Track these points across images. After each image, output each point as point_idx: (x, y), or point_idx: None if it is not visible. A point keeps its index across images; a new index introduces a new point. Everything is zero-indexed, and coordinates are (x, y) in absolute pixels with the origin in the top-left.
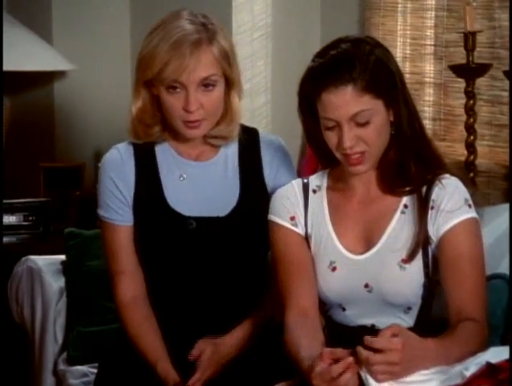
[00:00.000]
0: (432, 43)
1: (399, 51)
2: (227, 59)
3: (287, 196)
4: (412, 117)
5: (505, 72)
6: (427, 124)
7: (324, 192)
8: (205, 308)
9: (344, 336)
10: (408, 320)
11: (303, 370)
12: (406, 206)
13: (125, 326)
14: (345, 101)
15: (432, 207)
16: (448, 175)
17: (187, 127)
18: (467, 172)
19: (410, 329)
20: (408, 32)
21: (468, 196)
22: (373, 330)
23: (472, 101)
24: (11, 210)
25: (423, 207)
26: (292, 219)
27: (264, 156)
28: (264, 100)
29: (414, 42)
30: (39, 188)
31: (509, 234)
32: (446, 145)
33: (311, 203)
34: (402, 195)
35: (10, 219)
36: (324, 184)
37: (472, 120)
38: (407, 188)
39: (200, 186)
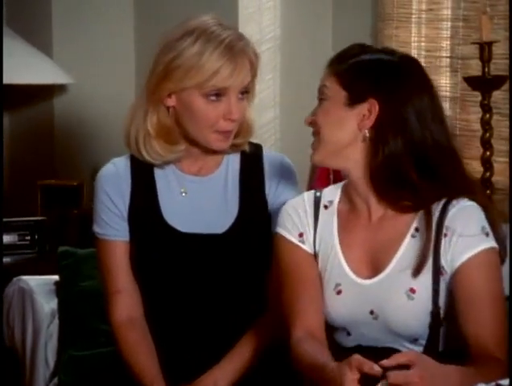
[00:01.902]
0: (448, 54)
1: None
2: (257, 65)
3: (297, 210)
4: (398, 126)
5: None
6: None
7: (335, 208)
8: (203, 327)
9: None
10: (415, 349)
11: (327, 374)
12: (417, 229)
13: (119, 347)
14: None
15: (446, 235)
16: (465, 199)
17: (221, 137)
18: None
19: None
20: (423, 44)
21: (485, 224)
22: (379, 353)
23: (488, 115)
24: (6, 229)
25: (430, 230)
26: (301, 235)
27: (266, 172)
28: (272, 115)
29: (429, 54)
30: (36, 207)
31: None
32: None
33: (321, 219)
34: (405, 210)
35: (4, 239)
36: (336, 199)
37: (488, 134)
38: (409, 203)
39: (199, 201)
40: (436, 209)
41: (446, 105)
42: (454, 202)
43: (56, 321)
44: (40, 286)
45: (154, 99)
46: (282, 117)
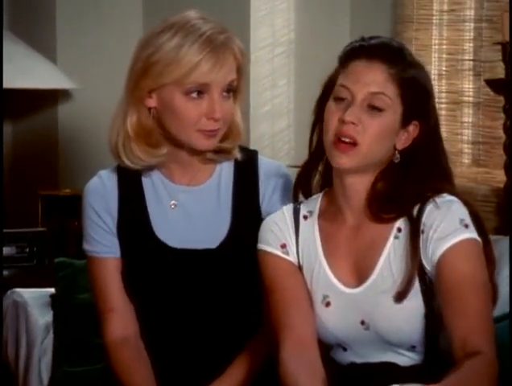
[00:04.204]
0: (471, 57)
1: (434, 68)
2: (243, 62)
3: (277, 223)
4: (434, 151)
5: None
6: (466, 148)
7: (315, 218)
8: (198, 344)
9: (349, 376)
10: (415, 357)
11: None
12: (399, 229)
13: (113, 366)
14: (372, 77)
15: (423, 231)
16: (444, 194)
17: (204, 136)
18: (506, 199)
19: (419, 366)
20: (444, 47)
21: (465, 217)
22: (374, 369)
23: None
24: (4, 240)
25: (415, 233)
26: (283, 246)
27: (261, 181)
28: (286, 123)
29: (451, 57)
30: (37, 217)
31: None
32: (485, 171)
33: (302, 230)
34: (390, 221)
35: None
36: (317, 209)
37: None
38: (394, 214)
39: (191, 214)
40: (415, 208)
41: (469, 111)
42: (432, 198)
43: (51, 335)
44: (35, 299)
45: (133, 99)
46: (296, 125)
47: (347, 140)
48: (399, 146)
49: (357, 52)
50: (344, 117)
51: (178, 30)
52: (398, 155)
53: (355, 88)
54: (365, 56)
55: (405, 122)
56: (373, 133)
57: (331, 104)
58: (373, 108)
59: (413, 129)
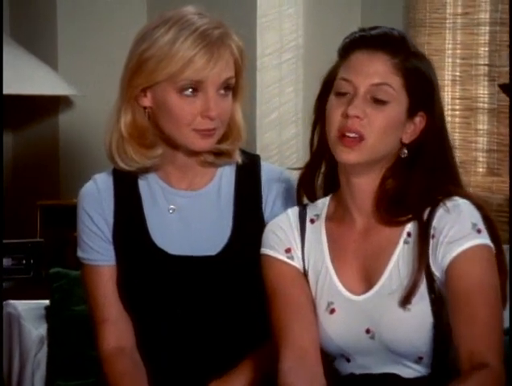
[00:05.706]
0: (485, 62)
1: (448, 73)
2: (242, 59)
3: (281, 226)
4: (441, 144)
5: None
6: (480, 156)
7: (322, 222)
8: (198, 355)
9: None
10: (421, 370)
11: None
12: (409, 234)
13: (107, 379)
14: (375, 68)
15: (433, 236)
16: (456, 198)
17: (200, 136)
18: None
19: (423, 379)
20: (458, 51)
21: (477, 221)
22: (380, 379)
23: None
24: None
25: (424, 237)
26: (288, 251)
27: (264, 186)
28: (294, 131)
29: (465, 62)
30: (36, 228)
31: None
32: (500, 180)
33: (308, 234)
34: (400, 224)
35: None
36: (324, 213)
37: None
38: (405, 217)
39: (190, 219)
40: (425, 212)
41: (483, 118)
42: (443, 201)
43: (45, 348)
44: (29, 311)
45: (127, 97)
46: (304, 134)
47: (352, 135)
48: (406, 140)
49: (358, 43)
50: (348, 112)
51: (172, 25)
52: (405, 150)
53: (357, 80)
54: (366, 47)
55: (411, 114)
56: (379, 126)
57: (332, 100)
58: (378, 101)
59: (419, 120)
